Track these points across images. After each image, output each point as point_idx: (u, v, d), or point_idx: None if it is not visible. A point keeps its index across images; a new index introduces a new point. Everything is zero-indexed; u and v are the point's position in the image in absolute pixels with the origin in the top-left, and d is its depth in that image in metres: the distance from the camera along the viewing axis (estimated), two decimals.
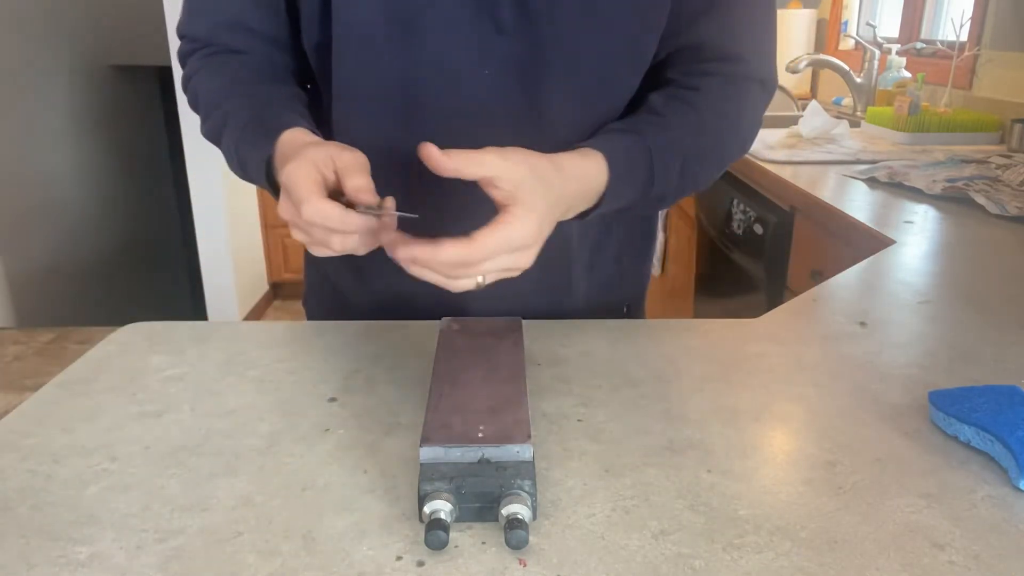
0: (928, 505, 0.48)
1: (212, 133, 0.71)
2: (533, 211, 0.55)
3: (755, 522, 0.46)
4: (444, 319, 0.66)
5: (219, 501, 0.48)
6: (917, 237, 1.06)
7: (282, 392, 0.62)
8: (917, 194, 1.33)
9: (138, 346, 0.71)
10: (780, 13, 2.91)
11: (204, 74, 0.74)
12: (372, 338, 0.72)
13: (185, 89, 0.76)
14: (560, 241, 0.77)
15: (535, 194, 0.56)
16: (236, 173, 0.71)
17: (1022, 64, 1.88)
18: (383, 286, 0.81)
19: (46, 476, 0.51)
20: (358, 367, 0.66)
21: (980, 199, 1.23)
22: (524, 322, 0.66)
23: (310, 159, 0.56)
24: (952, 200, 1.28)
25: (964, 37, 2.04)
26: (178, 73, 2.68)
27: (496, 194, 0.55)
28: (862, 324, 0.75)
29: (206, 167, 2.88)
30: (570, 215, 0.63)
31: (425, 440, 0.46)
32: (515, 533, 0.43)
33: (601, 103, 0.72)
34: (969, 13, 2.03)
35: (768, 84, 0.76)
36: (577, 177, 0.62)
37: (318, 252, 0.57)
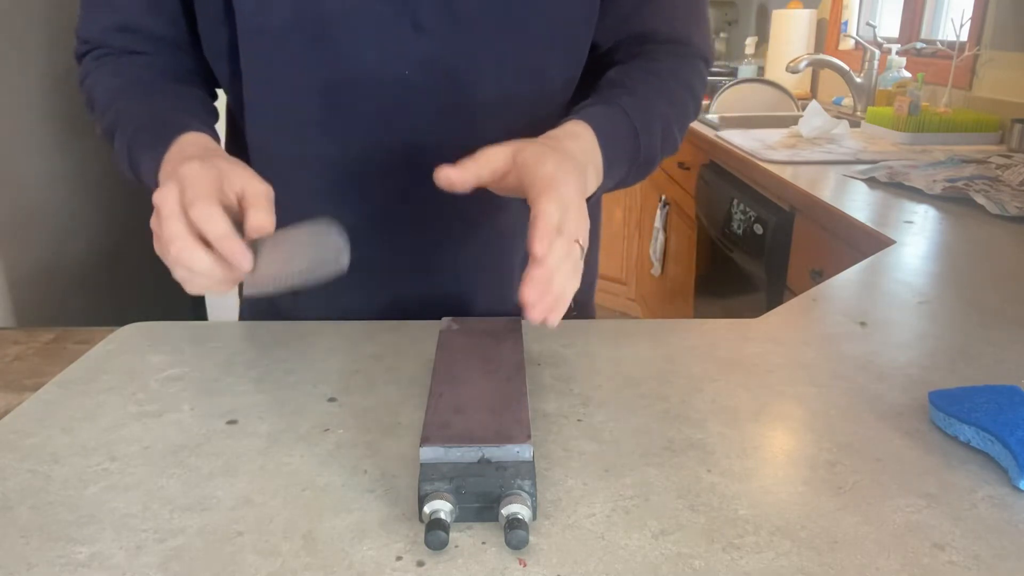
0: (928, 505, 0.48)
1: (106, 134, 0.67)
2: (559, 159, 0.53)
3: (755, 522, 0.46)
4: (444, 319, 0.66)
5: (219, 501, 0.48)
6: (917, 237, 1.06)
7: (282, 392, 0.62)
8: (917, 194, 1.33)
9: (138, 346, 0.71)
10: (780, 13, 2.91)
11: (98, 75, 0.72)
12: (372, 338, 0.72)
13: (81, 89, 0.73)
14: (498, 233, 0.77)
15: (546, 153, 0.54)
16: (126, 176, 0.66)
17: (1022, 64, 1.88)
18: (322, 303, 0.76)
19: (46, 476, 0.51)
20: (358, 367, 0.66)
21: (980, 199, 1.23)
22: (524, 322, 0.66)
23: (219, 169, 0.51)
24: (952, 200, 1.28)
25: (964, 37, 2.04)
26: None
27: (514, 177, 0.54)
28: (862, 324, 0.75)
29: None
30: (590, 183, 0.59)
31: (425, 440, 0.46)
32: (515, 533, 0.43)
33: (538, 99, 0.71)
34: (969, 13, 2.03)
35: (709, 61, 0.79)
36: (571, 135, 0.60)
37: (173, 266, 0.50)
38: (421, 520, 0.45)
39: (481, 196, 0.58)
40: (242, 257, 0.49)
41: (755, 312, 0.81)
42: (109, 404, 0.60)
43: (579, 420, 0.58)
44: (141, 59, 0.71)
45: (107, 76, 0.70)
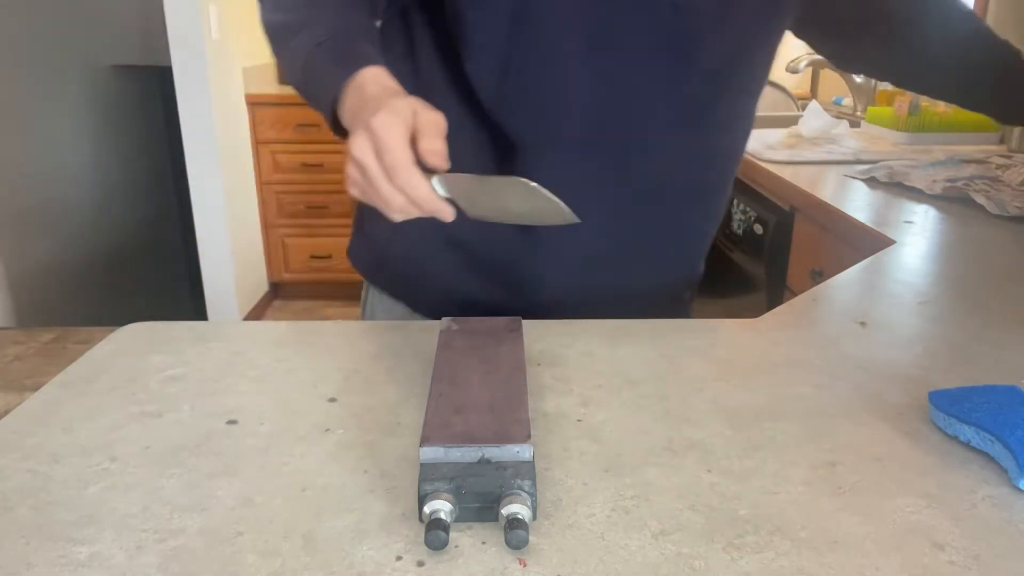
0: (928, 505, 0.48)
1: (279, 29, 0.70)
2: None
3: (755, 522, 0.46)
4: (444, 319, 0.66)
5: (219, 501, 0.48)
6: (917, 237, 1.06)
7: (282, 392, 0.62)
8: (917, 194, 1.33)
9: (138, 346, 0.71)
10: None
11: None
12: (372, 338, 0.72)
13: None
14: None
15: None
16: (292, 79, 0.69)
17: None
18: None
19: (46, 476, 0.51)
20: (358, 367, 0.66)
21: (980, 199, 1.23)
22: (524, 322, 0.66)
23: (400, 114, 0.56)
24: (952, 200, 1.28)
25: None
26: (180, 72, 2.67)
27: None
28: (862, 324, 0.75)
29: (206, 167, 2.88)
30: None
31: (425, 440, 0.46)
32: (515, 533, 0.43)
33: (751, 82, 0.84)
34: None
35: None
36: None
37: (379, 206, 0.58)
38: (421, 520, 0.45)
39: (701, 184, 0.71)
40: (446, 213, 0.57)
41: (755, 312, 0.81)
42: (109, 404, 0.60)
43: (579, 420, 0.58)
44: None
45: None
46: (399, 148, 0.55)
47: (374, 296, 0.93)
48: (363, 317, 0.96)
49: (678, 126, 0.79)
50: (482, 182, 0.58)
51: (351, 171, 0.58)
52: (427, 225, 0.62)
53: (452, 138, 0.59)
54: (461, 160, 0.60)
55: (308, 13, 0.68)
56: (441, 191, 0.57)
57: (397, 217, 0.58)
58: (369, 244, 0.92)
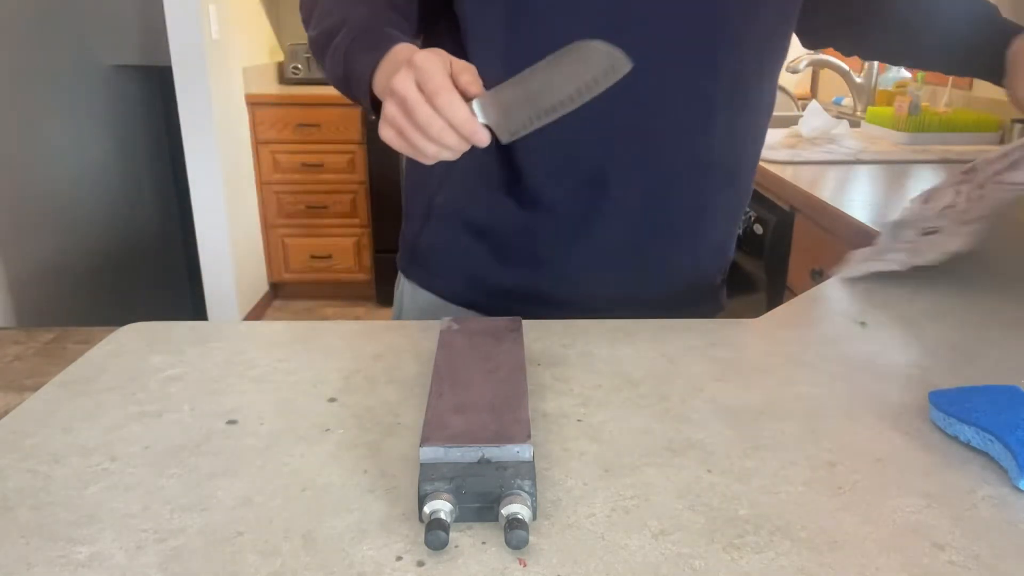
0: (928, 505, 0.48)
1: (323, 36, 0.75)
2: None
3: (755, 522, 0.46)
4: (444, 319, 0.66)
5: (219, 501, 0.48)
6: None
7: (282, 392, 0.62)
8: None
9: (138, 346, 0.71)
10: None
11: None
12: (372, 338, 0.72)
13: (301, 5, 0.82)
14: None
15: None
16: (334, 78, 0.74)
17: None
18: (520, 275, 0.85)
19: (46, 476, 0.51)
20: (358, 367, 0.66)
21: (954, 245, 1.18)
22: (524, 322, 0.66)
23: (439, 54, 0.60)
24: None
25: None
26: (180, 73, 2.67)
27: None
28: (862, 324, 0.75)
29: (206, 167, 2.88)
30: None
31: (425, 440, 0.46)
32: (515, 533, 0.43)
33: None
34: None
35: None
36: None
37: (412, 140, 0.60)
38: (421, 520, 0.45)
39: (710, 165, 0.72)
40: (481, 137, 0.60)
41: (755, 312, 0.81)
42: (109, 404, 0.60)
43: (579, 420, 0.58)
44: None
45: None
46: (440, 74, 0.58)
47: (406, 288, 0.95)
48: (394, 310, 0.97)
49: (698, 113, 0.79)
50: (522, 80, 0.60)
51: (388, 109, 0.60)
52: (456, 213, 0.64)
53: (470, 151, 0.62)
54: (478, 160, 0.62)
55: (343, 17, 0.73)
56: (479, 116, 0.60)
57: (431, 150, 0.60)
58: (403, 238, 0.94)
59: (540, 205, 0.81)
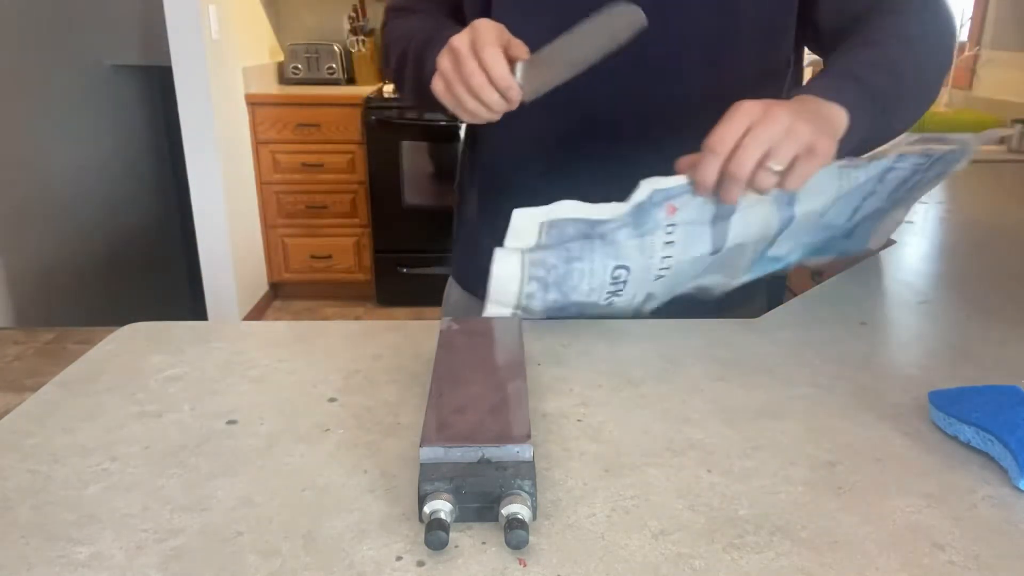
0: (928, 505, 0.48)
1: (398, 61, 0.84)
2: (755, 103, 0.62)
3: (755, 522, 0.46)
4: (444, 319, 0.66)
5: (219, 501, 0.48)
6: (917, 237, 1.06)
7: (282, 392, 0.62)
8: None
9: (138, 346, 0.71)
10: None
11: (398, 23, 0.89)
12: (372, 338, 0.72)
13: (384, 38, 0.91)
14: None
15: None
16: (412, 88, 0.83)
17: (1022, 64, 1.88)
18: None
19: (46, 476, 0.51)
20: (358, 367, 0.66)
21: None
22: (524, 322, 0.66)
23: (499, 25, 0.68)
24: (953, 199, 1.28)
25: (964, 37, 2.04)
26: (180, 73, 2.69)
27: None
28: (862, 324, 0.75)
29: (206, 168, 2.88)
30: (825, 124, 0.64)
31: (425, 440, 0.46)
32: (515, 533, 0.43)
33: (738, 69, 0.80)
34: (969, 13, 2.03)
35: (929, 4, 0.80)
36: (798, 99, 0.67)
37: (456, 91, 0.67)
38: (421, 520, 0.45)
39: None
40: (513, 94, 0.67)
41: (755, 312, 0.81)
42: (109, 404, 0.60)
43: (579, 420, 0.58)
44: (425, 14, 0.89)
45: (406, 20, 0.88)
46: (492, 34, 0.66)
47: (452, 289, 0.97)
48: (442, 310, 0.99)
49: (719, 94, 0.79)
50: (555, 41, 0.67)
51: (443, 61, 0.68)
52: (500, 217, 0.66)
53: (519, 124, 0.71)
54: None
55: (409, 38, 0.82)
56: (517, 76, 0.66)
57: (471, 104, 0.67)
58: (454, 243, 0.98)
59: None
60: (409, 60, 0.81)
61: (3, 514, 0.47)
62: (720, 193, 0.63)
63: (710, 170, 0.61)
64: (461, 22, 0.85)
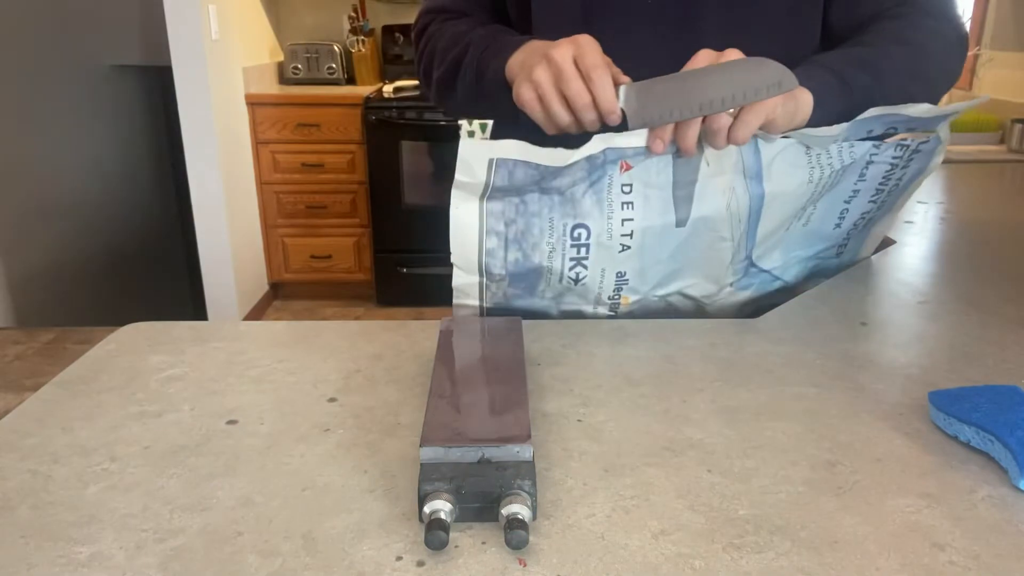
0: (928, 505, 0.48)
1: (451, 66, 0.82)
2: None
3: (755, 522, 0.46)
4: (444, 319, 0.66)
5: (219, 501, 0.48)
6: (917, 237, 1.06)
7: (282, 392, 0.62)
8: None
9: (138, 346, 0.71)
10: None
11: (445, 27, 0.86)
12: (372, 338, 0.72)
13: (420, 46, 0.89)
14: None
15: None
16: (466, 93, 0.80)
17: (1022, 64, 1.88)
18: None
19: (46, 476, 0.51)
20: (358, 367, 0.66)
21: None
22: (524, 322, 0.66)
23: (597, 43, 0.66)
24: (952, 197, 1.28)
25: None
26: (180, 73, 2.70)
27: None
28: (862, 324, 0.75)
29: (206, 167, 2.88)
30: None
31: (425, 440, 0.46)
32: (515, 533, 0.43)
33: (759, 35, 0.78)
34: (969, 13, 2.03)
35: (933, 13, 0.79)
36: None
37: (552, 107, 0.66)
38: (421, 520, 0.45)
39: None
40: (616, 118, 0.65)
41: (755, 312, 0.81)
42: (109, 404, 0.60)
43: (579, 420, 0.58)
44: (471, 18, 0.88)
45: (453, 26, 0.85)
46: (599, 55, 0.65)
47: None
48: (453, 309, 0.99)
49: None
50: (678, 77, 0.64)
51: (540, 75, 0.66)
52: None
53: None
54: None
55: (467, 43, 0.80)
56: (621, 100, 0.65)
57: (565, 120, 0.66)
58: None
59: None
60: (466, 65, 0.79)
61: (3, 514, 0.47)
62: (677, 138, 0.65)
63: None
64: (504, 23, 0.86)
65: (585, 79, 0.64)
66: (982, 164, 1.73)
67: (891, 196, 0.81)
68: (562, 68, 0.64)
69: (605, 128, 0.67)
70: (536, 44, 0.72)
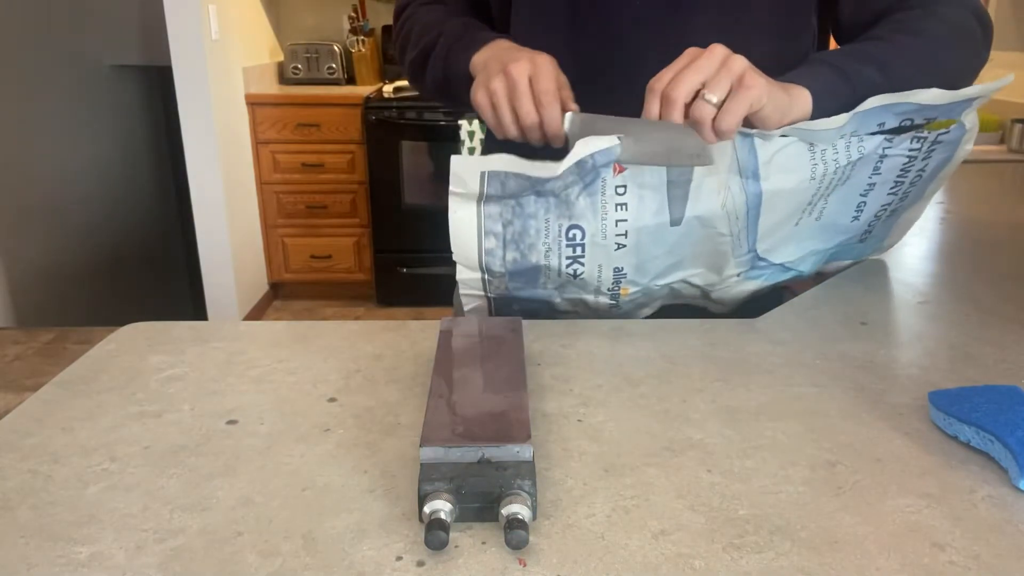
0: (928, 505, 0.48)
1: (421, 53, 0.84)
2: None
3: (755, 522, 0.46)
4: (444, 319, 0.66)
5: (219, 501, 0.48)
6: (917, 237, 1.06)
7: (282, 392, 0.62)
8: None
9: (138, 346, 0.71)
10: None
11: (421, 12, 0.89)
12: (372, 338, 0.72)
13: (398, 26, 0.91)
14: None
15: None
16: (434, 82, 0.83)
17: (1022, 64, 1.88)
18: None
19: (46, 476, 0.51)
20: (358, 367, 0.66)
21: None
22: (524, 322, 0.66)
23: (552, 63, 0.69)
24: (952, 196, 1.28)
25: None
26: (180, 73, 2.70)
27: None
28: (862, 324, 0.75)
29: (206, 167, 2.88)
30: (778, 88, 0.66)
31: (425, 440, 0.46)
32: (515, 533, 0.43)
33: (752, 37, 0.77)
34: None
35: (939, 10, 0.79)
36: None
37: (503, 117, 0.69)
38: (421, 520, 0.45)
39: None
40: (560, 144, 0.69)
41: (755, 312, 0.81)
42: (109, 404, 0.60)
43: (579, 420, 0.58)
44: (445, 7, 0.90)
45: (428, 12, 0.88)
46: (553, 81, 0.68)
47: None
48: (453, 310, 0.99)
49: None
50: (621, 122, 0.66)
51: (496, 84, 0.68)
52: None
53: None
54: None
55: (439, 31, 0.82)
56: (566, 125, 0.68)
57: (512, 132, 0.69)
58: None
59: None
60: (435, 55, 0.82)
61: (3, 514, 0.47)
62: None
63: (651, 108, 0.64)
64: (484, 14, 0.87)
65: (536, 101, 0.67)
66: (982, 164, 1.73)
67: (916, 187, 0.80)
68: (516, 85, 0.67)
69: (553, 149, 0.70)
70: (502, 45, 0.74)
